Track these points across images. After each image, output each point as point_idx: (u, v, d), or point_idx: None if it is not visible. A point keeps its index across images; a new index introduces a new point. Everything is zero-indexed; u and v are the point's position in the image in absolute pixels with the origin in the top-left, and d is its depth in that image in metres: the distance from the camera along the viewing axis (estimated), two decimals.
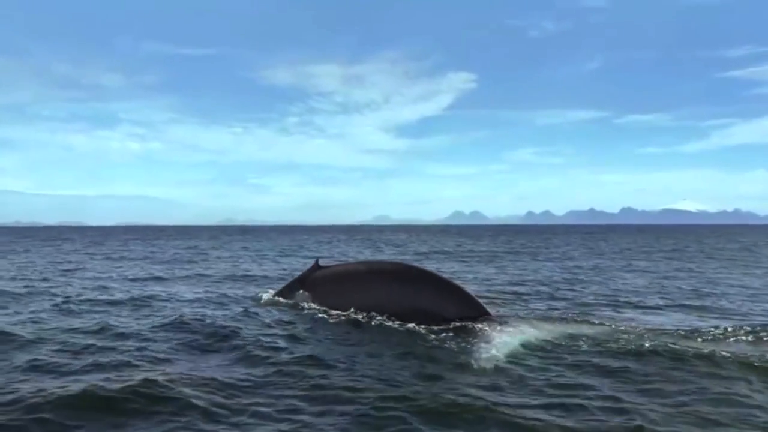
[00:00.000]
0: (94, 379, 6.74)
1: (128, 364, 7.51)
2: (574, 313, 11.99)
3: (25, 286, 16.33)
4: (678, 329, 9.93)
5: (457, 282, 11.42)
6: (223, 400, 6.13)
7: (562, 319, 11.02)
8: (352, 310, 10.99)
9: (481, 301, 10.86)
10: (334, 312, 11.04)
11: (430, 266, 11.32)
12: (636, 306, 13.62)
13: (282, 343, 8.76)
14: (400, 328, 9.92)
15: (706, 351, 8.10)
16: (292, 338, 9.14)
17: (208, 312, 11.64)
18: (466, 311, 10.36)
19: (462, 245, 50.34)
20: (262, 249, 43.35)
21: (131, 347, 8.45)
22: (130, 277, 20.20)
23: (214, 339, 9.03)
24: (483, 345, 8.57)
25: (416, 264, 12.05)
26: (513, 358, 7.99)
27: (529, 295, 15.59)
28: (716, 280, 19.48)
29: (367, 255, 36.52)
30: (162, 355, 8.05)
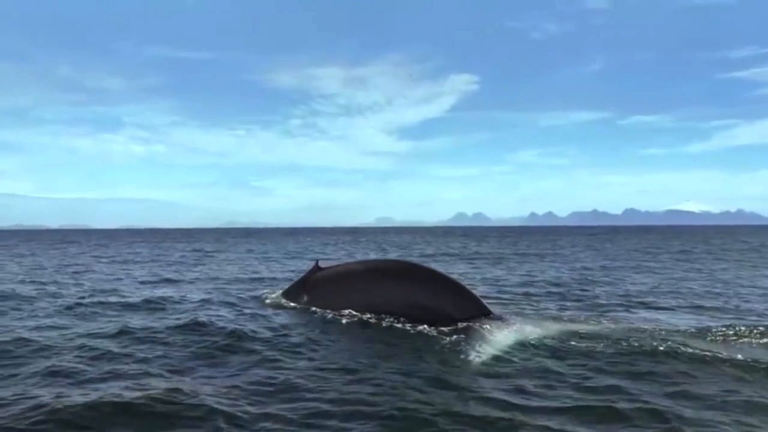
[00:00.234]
0: (116, 386, 6.69)
1: (148, 370, 7.44)
2: (586, 314, 12.02)
3: (37, 290, 16.35)
4: (693, 329, 9.87)
5: (458, 279, 11.31)
6: (247, 407, 6.05)
7: (572, 320, 11.00)
8: (355, 310, 10.99)
9: (483, 299, 10.85)
10: (338, 313, 11.02)
11: (439, 268, 11.30)
12: (649, 306, 13.59)
13: (297, 347, 8.69)
14: (405, 329, 9.89)
15: (724, 352, 8.05)
16: (306, 342, 9.03)
17: (221, 314, 11.63)
18: (467, 309, 10.31)
19: (467, 247, 50.30)
20: (267, 251, 43.39)
21: (150, 352, 8.39)
22: (141, 279, 20.23)
23: (231, 342, 8.96)
24: (492, 345, 8.57)
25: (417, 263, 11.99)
26: (523, 359, 7.96)
27: (539, 295, 15.58)
28: (727, 281, 19.41)
29: (372, 257, 36.47)
30: (180, 361, 7.97)
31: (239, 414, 5.84)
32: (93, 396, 6.27)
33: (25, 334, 9.55)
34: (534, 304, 13.84)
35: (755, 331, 9.44)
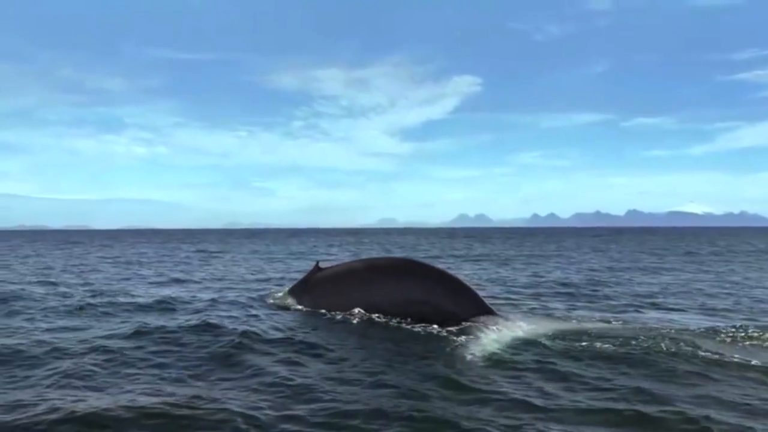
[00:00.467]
0: (133, 390, 6.64)
1: (164, 374, 7.38)
2: (597, 314, 12.02)
3: (46, 290, 16.35)
4: (705, 330, 9.82)
5: (463, 277, 11.27)
6: (267, 410, 5.99)
7: (583, 320, 10.99)
8: (359, 310, 10.98)
9: (492, 300, 10.81)
10: (348, 313, 11.00)
11: (447, 268, 11.27)
12: (660, 307, 13.59)
13: (310, 349, 8.63)
14: (413, 330, 9.85)
15: (739, 354, 8.01)
16: (318, 343, 8.95)
17: (231, 315, 11.63)
18: (470, 307, 10.26)
19: (472, 248, 50.28)
20: (272, 252, 43.41)
21: (165, 354, 8.32)
22: (149, 280, 20.24)
23: (243, 342, 8.88)
24: (503, 344, 8.57)
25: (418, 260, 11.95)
26: (536, 359, 7.93)
27: (548, 296, 15.59)
28: (736, 282, 19.36)
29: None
30: (196, 363, 7.90)
31: (260, 416, 5.78)
32: (110, 400, 6.22)
33: (40, 336, 9.53)
34: (544, 304, 13.83)
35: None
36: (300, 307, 12.14)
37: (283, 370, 7.48)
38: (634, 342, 8.60)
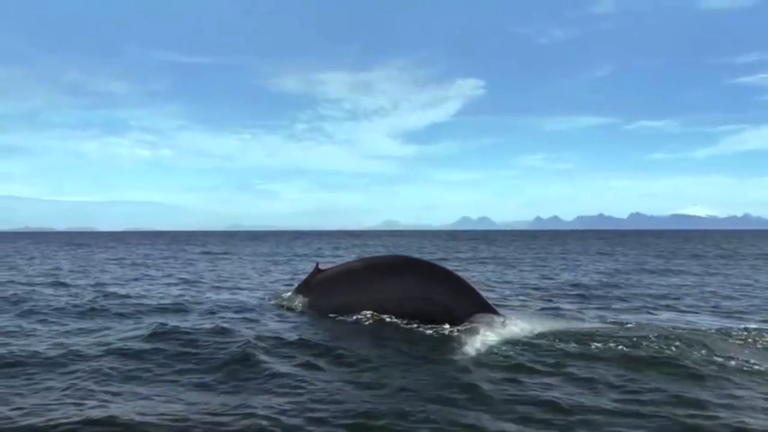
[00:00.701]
0: (155, 396, 6.53)
1: (185, 379, 7.24)
2: (609, 315, 12.02)
3: (57, 292, 16.35)
4: (720, 331, 9.71)
5: (458, 273, 11.19)
6: (294, 416, 5.91)
7: (594, 320, 10.97)
8: (357, 308, 10.96)
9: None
10: (358, 314, 10.95)
11: (457, 270, 11.21)
12: (673, 308, 13.54)
13: (328, 352, 8.48)
14: (424, 332, 9.78)
15: (757, 358, 7.92)
16: (332, 346, 8.81)
17: (244, 316, 11.59)
18: (468, 303, 10.20)
19: (478, 250, 50.19)
20: (278, 253, 43.39)
21: (182, 359, 8.17)
22: (158, 281, 20.20)
23: (259, 345, 8.75)
24: (517, 345, 8.54)
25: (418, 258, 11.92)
26: (546, 360, 7.90)
27: (559, 297, 15.55)
28: (747, 284, 19.29)
29: None
30: (214, 367, 7.75)
31: (285, 420, 5.70)
32: (130, 406, 6.11)
33: (55, 338, 9.48)
34: (556, 305, 13.80)
35: None
36: (304, 308, 12.15)
37: (301, 373, 7.41)
38: (648, 343, 8.52)
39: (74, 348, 8.68)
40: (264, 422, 5.62)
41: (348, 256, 41.44)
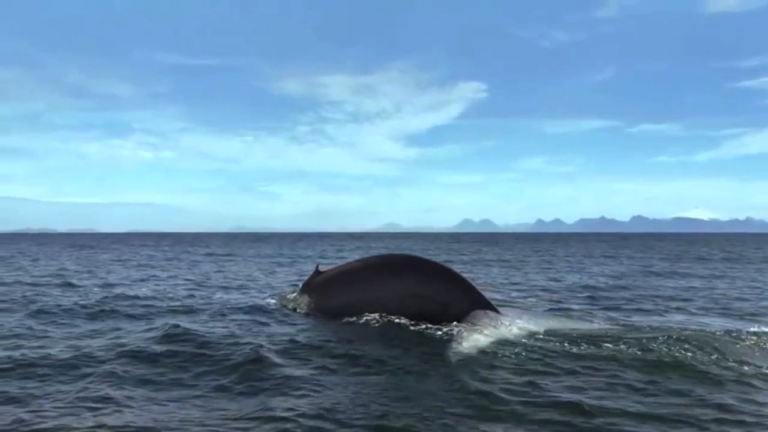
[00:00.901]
0: (171, 402, 6.42)
1: (203, 383, 7.15)
2: (621, 316, 12.03)
3: (67, 294, 16.33)
4: (734, 333, 9.62)
5: (464, 275, 11.16)
6: (321, 419, 5.84)
7: (604, 320, 10.94)
8: (357, 307, 10.97)
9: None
10: (346, 316, 10.93)
11: (462, 272, 11.13)
12: (684, 310, 13.53)
13: (343, 356, 8.39)
14: (428, 333, 9.75)
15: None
16: (346, 349, 8.76)
17: (254, 318, 11.55)
18: (467, 300, 10.19)
19: (481, 252, 50.11)
20: (282, 255, 43.37)
21: (198, 360, 8.11)
22: (166, 282, 20.17)
23: (273, 349, 8.64)
24: (524, 347, 8.51)
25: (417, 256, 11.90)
26: (553, 361, 7.88)
27: (569, 299, 15.50)
28: (756, 287, 19.25)
29: None
30: (231, 371, 7.61)
31: (307, 423, 5.68)
32: (147, 413, 5.96)
33: (68, 341, 9.40)
34: (567, 306, 13.80)
35: None
36: (307, 309, 12.15)
37: (316, 375, 7.37)
38: (662, 344, 8.47)
39: (87, 350, 8.60)
40: (288, 425, 5.58)
41: (351, 257, 41.38)
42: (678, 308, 13.90)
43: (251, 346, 8.71)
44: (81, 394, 6.59)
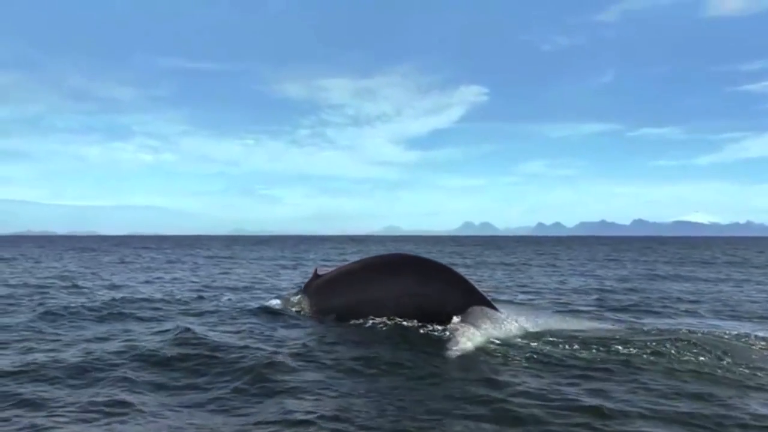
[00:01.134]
0: (191, 408, 6.36)
1: (220, 385, 7.10)
2: (631, 318, 12.08)
3: (73, 296, 16.28)
4: (743, 336, 9.61)
5: (456, 269, 11.11)
6: (336, 425, 5.82)
7: (610, 321, 10.95)
8: (357, 307, 10.98)
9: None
10: (346, 317, 10.94)
11: (467, 275, 11.09)
12: (691, 313, 13.59)
13: (356, 360, 8.27)
14: (435, 335, 9.72)
15: None
16: (356, 353, 8.68)
17: (262, 321, 11.47)
18: (465, 296, 10.16)
19: (484, 255, 50.06)
20: (284, 258, 43.32)
21: (212, 363, 8.03)
22: (171, 285, 20.10)
23: (286, 353, 8.55)
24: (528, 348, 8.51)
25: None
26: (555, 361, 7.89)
27: (577, 302, 15.50)
28: (761, 290, 19.25)
29: None
30: (247, 375, 7.48)
31: (327, 425, 5.66)
32: (165, 420, 5.87)
33: (81, 345, 9.28)
34: (575, 308, 13.81)
35: None
36: (308, 311, 12.17)
37: (331, 378, 7.33)
38: (675, 346, 8.45)
39: (98, 354, 8.47)
40: (311, 428, 5.55)
41: (351, 260, 41.34)
42: (687, 311, 13.90)
43: (263, 350, 8.68)
44: (94, 399, 6.48)
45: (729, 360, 7.91)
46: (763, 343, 9.06)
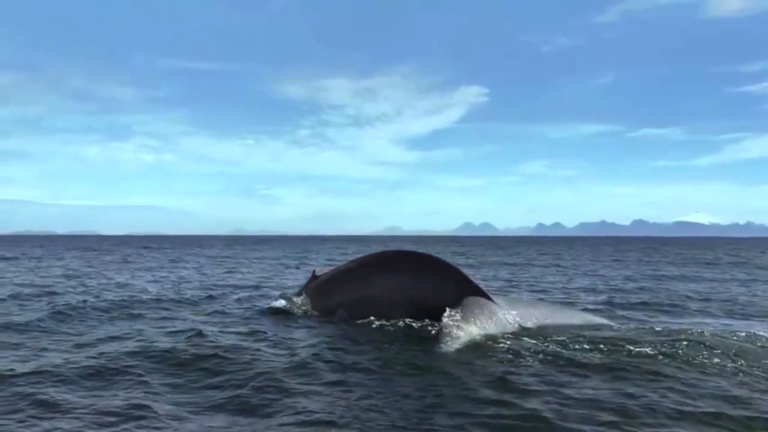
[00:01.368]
0: (212, 411, 6.28)
1: (240, 384, 7.03)
2: (642, 318, 12.09)
3: (80, 296, 16.20)
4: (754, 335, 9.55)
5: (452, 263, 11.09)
6: (361, 425, 5.77)
7: (620, 319, 10.96)
8: (357, 306, 11.04)
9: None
10: (375, 318, 10.86)
11: (474, 274, 11.05)
12: (701, 312, 13.56)
13: (367, 363, 8.16)
14: (424, 328, 9.81)
15: None
16: (367, 356, 8.55)
17: (270, 323, 11.40)
18: (463, 288, 10.13)
19: (485, 255, 50.04)
20: (286, 257, 43.28)
21: (228, 364, 7.92)
22: (182, 285, 19.91)
23: (298, 355, 8.48)
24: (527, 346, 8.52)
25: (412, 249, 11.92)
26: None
27: (585, 302, 15.44)
28: (765, 290, 19.23)
29: None
30: (263, 378, 7.31)
31: (352, 424, 5.62)
32: (187, 426, 5.76)
33: (96, 347, 9.12)
34: (583, 308, 13.71)
35: None
36: (308, 311, 12.19)
37: (349, 378, 7.27)
38: (687, 345, 8.40)
39: (112, 355, 8.35)
40: (331, 429, 5.50)
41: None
42: (699, 310, 13.87)
43: (278, 352, 8.63)
44: (111, 402, 6.37)
45: (747, 361, 7.85)
46: None
